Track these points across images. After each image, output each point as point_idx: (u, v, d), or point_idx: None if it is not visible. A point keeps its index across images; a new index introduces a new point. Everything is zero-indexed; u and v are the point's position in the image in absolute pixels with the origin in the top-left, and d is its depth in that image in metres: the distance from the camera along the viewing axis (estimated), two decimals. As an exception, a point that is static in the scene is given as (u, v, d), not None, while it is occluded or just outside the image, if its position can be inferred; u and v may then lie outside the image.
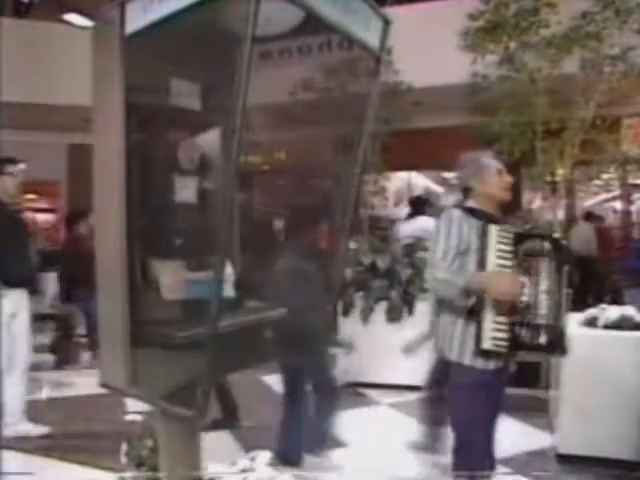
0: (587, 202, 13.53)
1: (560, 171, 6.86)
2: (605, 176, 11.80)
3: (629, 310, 3.85)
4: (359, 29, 2.00)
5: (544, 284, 2.46)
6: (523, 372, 4.84)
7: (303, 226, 3.57)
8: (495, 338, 2.43)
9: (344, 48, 7.20)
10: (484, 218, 2.54)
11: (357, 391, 5.22)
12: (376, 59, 2.16)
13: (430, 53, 7.12)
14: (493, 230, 2.46)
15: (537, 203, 11.69)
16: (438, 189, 14.39)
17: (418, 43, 6.91)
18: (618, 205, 12.47)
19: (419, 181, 13.42)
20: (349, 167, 2.27)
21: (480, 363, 2.50)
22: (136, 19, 1.78)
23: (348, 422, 4.15)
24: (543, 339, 2.45)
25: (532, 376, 4.89)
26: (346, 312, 5.35)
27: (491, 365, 2.51)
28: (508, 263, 2.46)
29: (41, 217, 11.78)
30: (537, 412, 4.52)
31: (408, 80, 7.55)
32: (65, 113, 8.42)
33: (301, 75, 7.67)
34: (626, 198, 11.39)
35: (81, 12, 9.83)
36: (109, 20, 1.86)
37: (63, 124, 9.22)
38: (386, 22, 2.09)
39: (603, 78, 6.20)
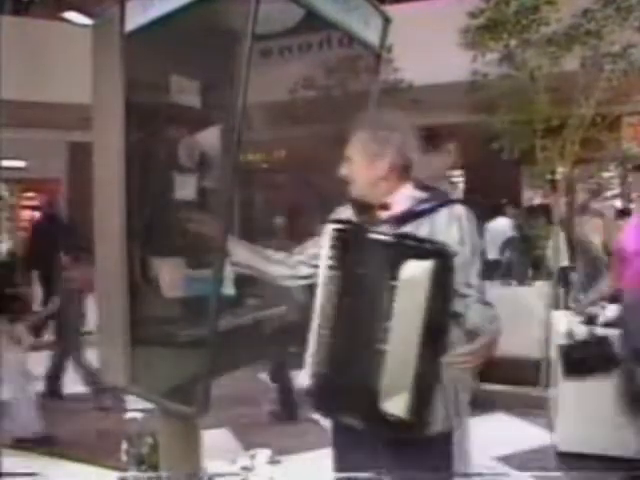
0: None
1: (560, 169, 6.84)
2: (605, 174, 11.79)
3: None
4: (359, 27, 2.00)
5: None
6: (523, 370, 4.85)
7: None
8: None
9: (344, 45, 7.18)
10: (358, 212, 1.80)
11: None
12: (376, 57, 2.16)
13: (430, 51, 7.11)
14: (329, 228, 1.72)
15: (537, 201, 11.69)
16: (438, 187, 14.41)
17: (418, 41, 6.90)
18: (618, 203, 12.47)
19: (419, 179, 13.43)
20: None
21: None
22: (136, 17, 1.78)
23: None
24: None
25: (531, 374, 4.89)
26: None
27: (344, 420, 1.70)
28: (335, 274, 1.63)
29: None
30: (537, 410, 4.51)
31: (408, 78, 7.53)
32: (65, 111, 8.40)
33: (301, 73, 7.65)
34: (626, 196, 11.39)
35: (81, 10, 9.78)
36: (109, 18, 1.86)
37: (63, 122, 9.19)
38: (386, 20, 2.09)
39: (603, 76, 6.17)
